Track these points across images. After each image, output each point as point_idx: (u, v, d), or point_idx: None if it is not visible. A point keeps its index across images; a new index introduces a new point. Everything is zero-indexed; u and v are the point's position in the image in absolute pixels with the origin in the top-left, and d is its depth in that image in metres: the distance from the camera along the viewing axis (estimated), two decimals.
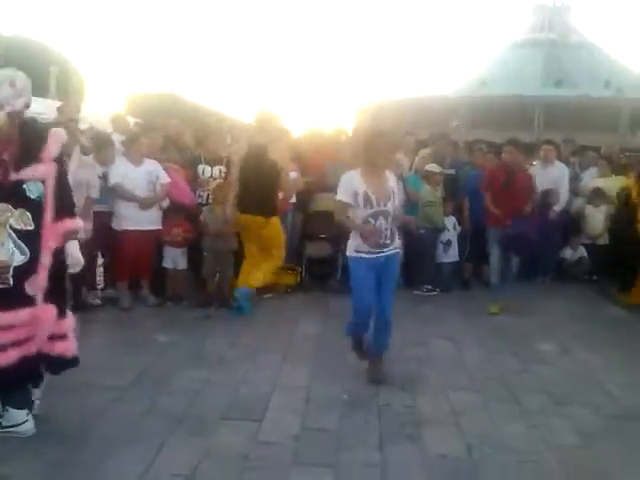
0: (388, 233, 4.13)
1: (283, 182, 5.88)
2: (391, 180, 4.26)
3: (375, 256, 4.10)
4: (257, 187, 5.62)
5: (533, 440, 3.42)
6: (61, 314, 3.23)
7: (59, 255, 3.20)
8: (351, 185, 4.12)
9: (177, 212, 6.02)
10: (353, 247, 4.16)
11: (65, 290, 3.47)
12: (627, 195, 6.71)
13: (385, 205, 4.11)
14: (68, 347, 3.28)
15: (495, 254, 6.12)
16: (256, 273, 5.76)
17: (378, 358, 4.30)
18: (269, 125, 5.91)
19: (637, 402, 4.02)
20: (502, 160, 6.42)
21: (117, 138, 6.39)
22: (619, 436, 3.51)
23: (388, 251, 4.16)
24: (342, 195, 4.14)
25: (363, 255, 4.11)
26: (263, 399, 3.80)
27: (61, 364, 3.30)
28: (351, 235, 4.20)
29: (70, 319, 3.32)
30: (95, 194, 5.54)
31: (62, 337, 3.24)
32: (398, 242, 4.35)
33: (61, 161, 3.22)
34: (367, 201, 4.06)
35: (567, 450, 3.31)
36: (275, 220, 5.81)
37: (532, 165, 7.93)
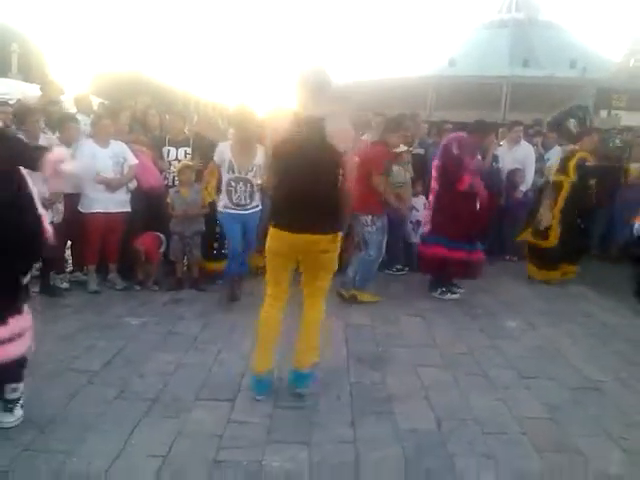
0: (247, 195, 5.24)
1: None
2: (259, 155, 5.20)
3: (238, 212, 5.25)
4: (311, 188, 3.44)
5: (500, 412, 3.52)
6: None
7: None
8: (222, 153, 5.25)
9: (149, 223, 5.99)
10: (222, 205, 5.30)
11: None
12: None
13: (246, 174, 5.21)
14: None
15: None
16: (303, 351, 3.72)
17: (240, 279, 5.63)
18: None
19: (599, 374, 4.17)
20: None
21: (82, 119, 6.29)
22: (583, 407, 3.64)
23: (250, 209, 5.29)
24: (215, 157, 5.34)
25: (229, 211, 5.26)
26: (236, 379, 3.84)
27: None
28: (221, 196, 5.33)
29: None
30: None
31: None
32: (257, 202, 5.37)
33: None
34: (230, 168, 5.19)
35: (533, 421, 3.42)
36: (337, 239, 3.58)
37: (499, 146, 8.03)
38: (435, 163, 6.08)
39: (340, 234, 3.59)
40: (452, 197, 5.81)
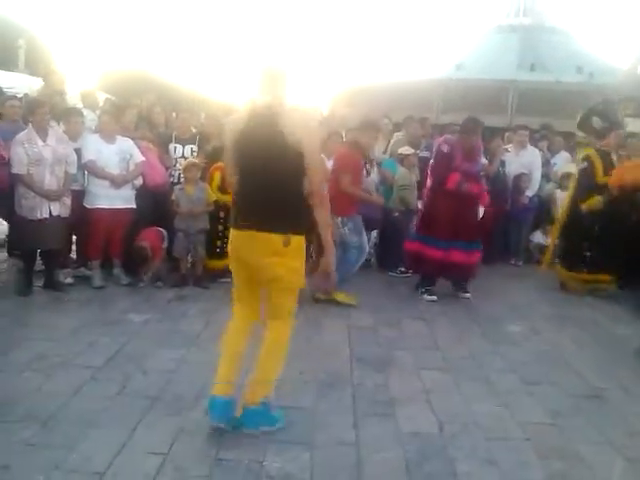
0: None
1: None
2: None
3: None
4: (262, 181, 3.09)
5: (503, 418, 3.50)
6: None
7: None
8: None
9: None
10: None
11: None
12: (591, 164, 6.46)
13: None
14: None
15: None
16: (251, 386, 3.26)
17: None
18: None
19: (603, 381, 4.14)
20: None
21: (89, 115, 6.31)
22: (586, 414, 3.62)
23: None
24: None
25: None
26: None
27: None
28: None
29: None
30: (73, 170, 5.48)
31: None
32: None
33: None
34: None
35: (536, 427, 3.40)
36: (295, 244, 3.10)
37: (507, 151, 8.01)
38: (430, 163, 6.15)
39: (300, 240, 3.11)
40: (440, 195, 5.84)
